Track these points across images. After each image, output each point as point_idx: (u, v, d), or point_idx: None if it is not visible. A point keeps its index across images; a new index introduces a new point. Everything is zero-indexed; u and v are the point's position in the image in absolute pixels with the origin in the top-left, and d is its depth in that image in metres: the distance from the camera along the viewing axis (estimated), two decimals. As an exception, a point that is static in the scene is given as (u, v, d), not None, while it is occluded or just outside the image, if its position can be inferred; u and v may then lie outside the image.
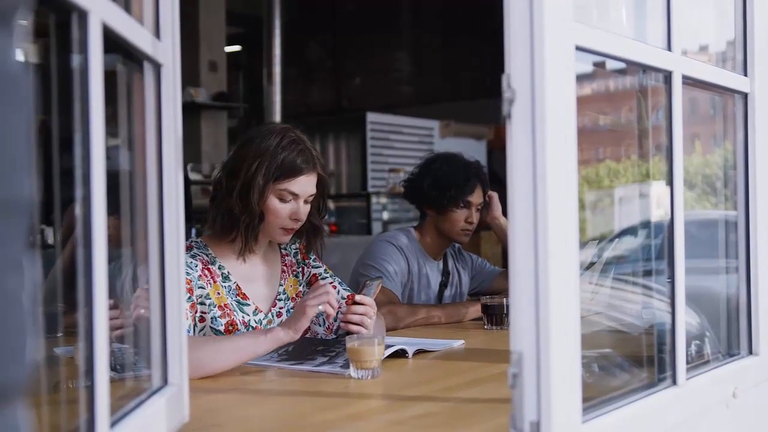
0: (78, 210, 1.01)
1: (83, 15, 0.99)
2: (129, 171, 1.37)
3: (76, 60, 1.01)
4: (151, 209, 1.35)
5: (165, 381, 1.36)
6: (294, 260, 2.40)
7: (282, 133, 2.19)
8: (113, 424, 1.09)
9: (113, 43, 1.11)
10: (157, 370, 1.35)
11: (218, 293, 2.17)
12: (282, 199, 2.18)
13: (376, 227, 7.38)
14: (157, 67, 1.34)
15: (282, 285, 2.33)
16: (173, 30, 1.38)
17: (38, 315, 0.60)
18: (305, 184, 2.20)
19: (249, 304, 2.22)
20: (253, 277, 2.27)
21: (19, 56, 0.57)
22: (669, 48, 1.51)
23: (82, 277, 1.00)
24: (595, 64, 1.47)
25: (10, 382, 0.55)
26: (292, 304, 2.32)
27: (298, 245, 2.41)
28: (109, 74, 1.08)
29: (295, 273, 2.38)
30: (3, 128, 0.55)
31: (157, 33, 1.34)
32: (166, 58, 1.36)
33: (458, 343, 2.33)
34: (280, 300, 2.31)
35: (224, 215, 2.19)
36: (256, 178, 2.14)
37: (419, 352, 2.17)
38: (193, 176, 6.74)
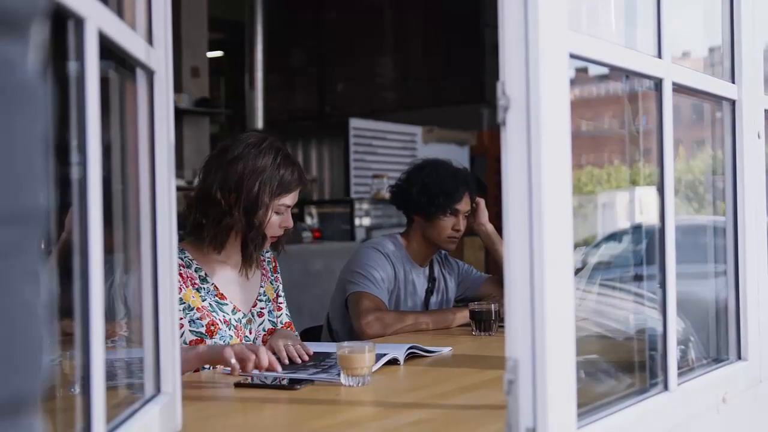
0: (74, 217, 1.01)
1: (80, 22, 0.98)
2: (121, 178, 1.36)
3: (71, 66, 1.01)
4: (144, 217, 1.34)
5: (158, 389, 1.35)
6: (269, 267, 2.49)
7: (273, 149, 2.28)
8: (108, 433, 1.08)
9: (106, 49, 1.10)
10: (150, 378, 1.35)
11: (193, 296, 2.22)
12: (277, 213, 2.28)
13: (360, 233, 7.37)
14: (150, 74, 1.33)
15: (263, 287, 2.42)
16: (166, 37, 1.38)
17: (53, 324, 0.59)
18: (296, 196, 2.33)
19: (227, 304, 2.28)
20: (233, 279, 2.33)
21: (35, 66, 0.57)
22: (659, 55, 1.52)
23: (78, 285, 1.00)
24: (578, 70, 1.47)
25: (27, 392, 0.55)
26: (272, 306, 2.42)
27: (271, 255, 2.50)
28: (101, 81, 1.07)
29: (270, 280, 2.47)
30: (19, 138, 0.54)
31: (150, 40, 1.33)
32: (159, 65, 1.35)
33: (447, 350, 2.34)
34: (261, 300, 2.40)
35: (225, 231, 2.24)
36: (262, 198, 2.22)
37: (411, 357, 2.17)
38: (176, 182, 6.70)
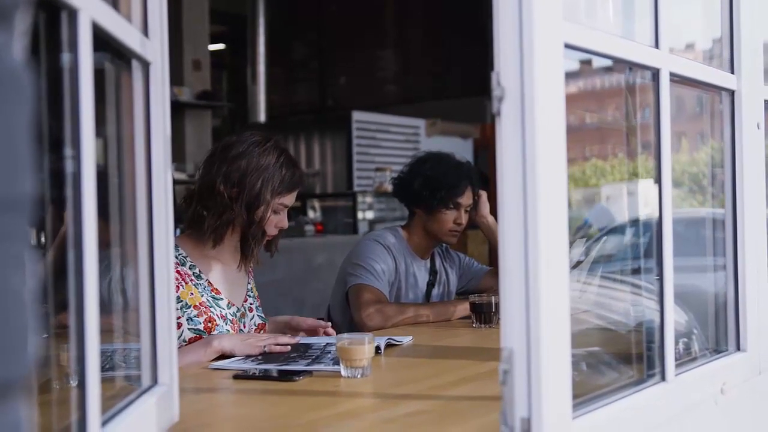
0: (68, 210, 1.01)
1: (73, 13, 0.98)
2: (117, 171, 1.36)
3: (65, 58, 1.01)
4: (140, 209, 1.35)
5: (155, 380, 1.36)
6: (251, 265, 2.52)
7: (276, 149, 2.31)
8: (104, 423, 1.09)
9: (101, 41, 1.10)
10: (147, 369, 1.35)
11: (191, 293, 2.25)
12: (275, 212, 2.31)
13: (362, 227, 7.37)
14: (145, 65, 1.33)
15: (250, 283, 2.47)
16: (161, 28, 1.38)
17: (39, 311, 0.60)
18: (294, 197, 2.37)
19: (222, 299, 2.32)
20: (224, 275, 2.37)
21: (19, 54, 0.57)
22: (657, 45, 1.51)
23: (73, 278, 1.00)
24: (582, 62, 1.47)
25: (12, 379, 0.55)
26: (258, 302, 2.47)
27: None
28: (96, 73, 1.07)
29: (253, 276, 2.52)
30: (5, 126, 0.55)
31: (145, 31, 1.33)
32: (155, 56, 1.35)
33: (407, 339, 2.36)
34: (250, 296, 2.44)
35: (225, 225, 2.27)
36: (263, 195, 2.26)
37: (389, 346, 2.22)
38: (177, 176, 6.72)
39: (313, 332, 2.41)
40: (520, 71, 1.16)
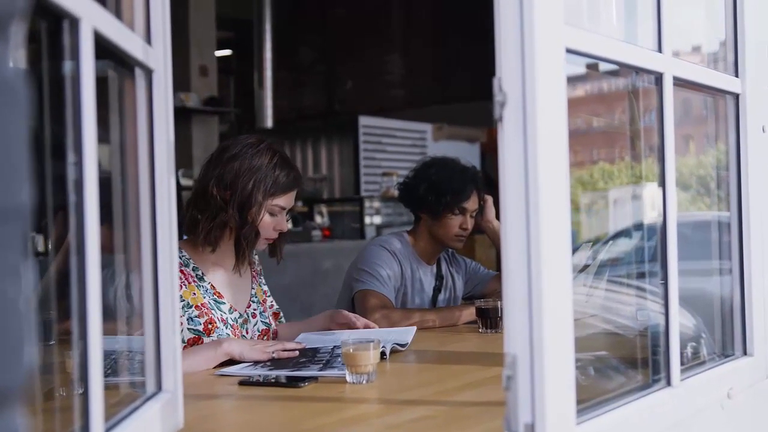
0: (71, 217, 1.01)
1: (75, 22, 0.99)
2: (120, 178, 1.37)
3: (67, 66, 1.01)
4: (144, 216, 1.35)
5: (159, 387, 1.36)
6: (258, 269, 2.53)
7: (270, 151, 2.31)
8: (107, 430, 1.09)
9: (104, 49, 1.11)
10: (152, 376, 1.35)
11: (194, 294, 2.26)
12: (271, 214, 2.31)
13: (370, 231, 7.37)
14: (148, 73, 1.34)
15: (254, 289, 2.46)
16: (164, 36, 1.38)
17: (35, 320, 0.60)
18: (292, 198, 2.35)
19: (224, 303, 2.32)
20: (227, 280, 2.37)
21: (16, 63, 0.57)
22: (660, 50, 1.51)
23: (76, 285, 1.00)
24: (588, 66, 1.47)
25: (8, 387, 0.55)
26: (262, 308, 2.46)
27: (258, 259, 2.56)
28: (100, 80, 1.08)
29: (259, 282, 2.51)
30: (1, 136, 0.55)
31: (148, 39, 1.34)
32: (158, 63, 1.36)
33: (411, 332, 2.39)
34: (253, 302, 2.44)
35: (219, 227, 2.27)
36: (255, 196, 2.25)
37: (394, 352, 2.21)
38: (184, 182, 6.73)
39: (347, 326, 2.47)
40: (521, 76, 1.16)
